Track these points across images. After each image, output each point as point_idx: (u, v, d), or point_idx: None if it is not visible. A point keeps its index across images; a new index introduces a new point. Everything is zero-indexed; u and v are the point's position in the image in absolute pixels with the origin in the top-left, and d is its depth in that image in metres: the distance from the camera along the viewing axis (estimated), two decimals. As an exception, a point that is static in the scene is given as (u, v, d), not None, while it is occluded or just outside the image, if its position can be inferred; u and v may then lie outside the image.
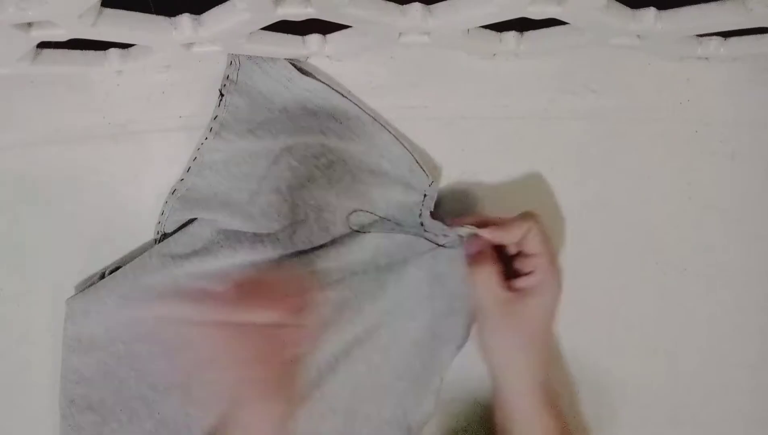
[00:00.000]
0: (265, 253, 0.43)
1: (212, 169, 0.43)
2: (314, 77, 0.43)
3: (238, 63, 0.43)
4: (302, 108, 0.44)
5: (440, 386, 0.45)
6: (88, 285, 0.44)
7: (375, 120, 0.43)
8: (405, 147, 0.42)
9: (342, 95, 0.43)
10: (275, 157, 0.43)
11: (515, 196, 0.46)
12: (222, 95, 0.43)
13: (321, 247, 0.44)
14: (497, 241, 0.41)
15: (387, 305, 0.44)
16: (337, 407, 0.44)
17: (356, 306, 0.44)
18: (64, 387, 0.44)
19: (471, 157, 0.46)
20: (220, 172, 0.43)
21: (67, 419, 0.44)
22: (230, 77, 0.43)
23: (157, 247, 0.44)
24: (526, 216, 0.41)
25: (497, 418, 0.42)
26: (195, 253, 0.43)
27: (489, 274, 0.40)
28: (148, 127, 0.45)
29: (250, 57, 0.43)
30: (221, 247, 0.43)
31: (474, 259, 0.41)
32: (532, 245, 0.40)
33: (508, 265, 0.42)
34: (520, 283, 0.40)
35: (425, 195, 0.43)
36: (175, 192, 0.44)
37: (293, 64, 0.43)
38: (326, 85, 0.43)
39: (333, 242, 0.44)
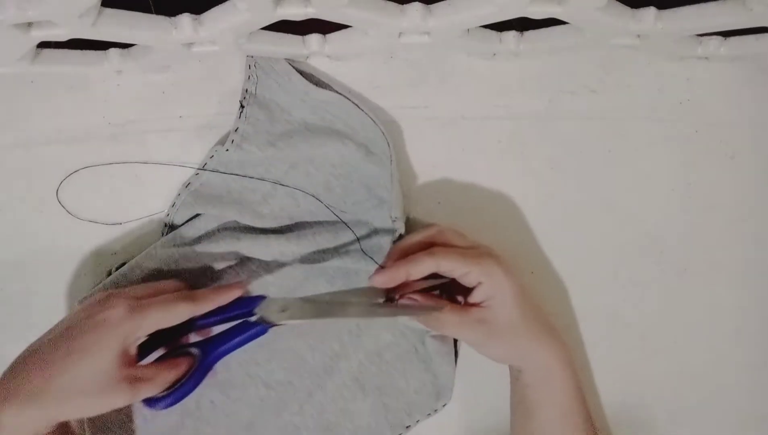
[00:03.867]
0: (268, 244, 0.43)
1: (228, 167, 0.44)
2: (331, 89, 0.43)
3: (255, 77, 0.43)
4: (321, 119, 0.44)
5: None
6: (96, 284, 0.44)
7: (384, 135, 0.43)
8: (391, 174, 0.42)
9: (358, 106, 0.43)
10: (294, 162, 0.44)
11: (515, 196, 0.46)
12: (242, 107, 0.43)
13: (324, 250, 0.44)
14: (409, 280, 0.38)
15: None
16: (366, 384, 0.45)
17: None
18: None
19: (471, 157, 0.46)
20: (235, 170, 0.44)
21: (93, 421, 0.44)
22: (249, 90, 0.43)
23: (162, 239, 0.44)
24: (432, 249, 0.38)
25: (515, 397, 0.42)
26: (198, 242, 0.44)
27: (442, 320, 0.38)
28: (148, 127, 0.45)
29: (267, 72, 0.43)
30: (224, 236, 0.43)
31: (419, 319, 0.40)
32: (455, 272, 0.38)
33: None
34: (474, 298, 0.38)
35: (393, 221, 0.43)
36: (189, 185, 0.44)
37: (301, 72, 0.43)
38: (343, 96, 0.43)
39: (336, 249, 0.44)
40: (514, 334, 0.39)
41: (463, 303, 0.40)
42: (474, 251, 0.39)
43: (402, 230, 0.42)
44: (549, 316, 0.41)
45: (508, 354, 0.40)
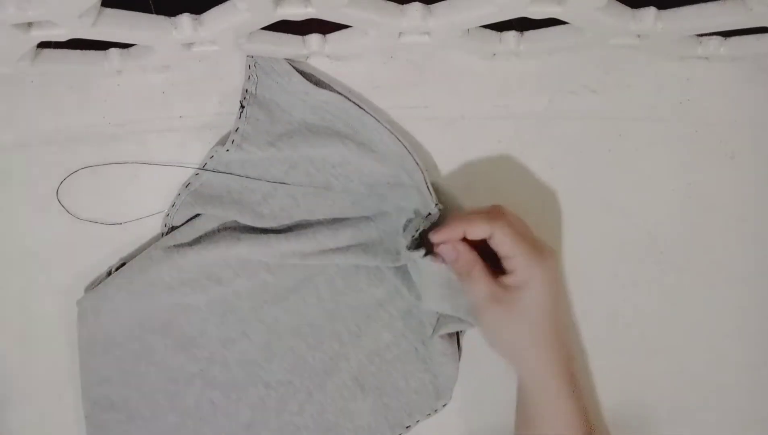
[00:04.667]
0: (268, 244, 0.43)
1: (228, 167, 0.44)
2: (331, 89, 0.43)
3: (255, 78, 0.43)
4: (321, 119, 0.44)
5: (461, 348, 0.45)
6: (95, 284, 0.44)
7: (391, 132, 0.43)
8: (417, 163, 0.43)
9: (359, 106, 0.43)
10: (294, 162, 0.44)
11: (515, 196, 0.46)
12: (242, 107, 0.43)
13: (324, 249, 0.44)
14: (462, 237, 0.40)
15: (390, 288, 0.45)
16: (366, 384, 0.45)
17: (370, 277, 0.45)
18: (86, 389, 0.44)
19: (471, 157, 0.46)
20: (235, 170, 0.44)
21: (92, 420, 0.44)
22: (249, 90, 0.43)
23: (162, 239, 0.44)
24: (492, 215, 0.39)
25: (518, 404, 0.42)
26: (198, 242, 0.44)
27: (472, 276, 0.40)
28: (148, 127, 0.45)
29: (267, 72, 0.43)
30: (224, 236, 0.43)
31: (455, 263, 0.41)
32: (502, 248, 0.39)
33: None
34: (506, 280, 0.40)
35: (429, 214, 0.43)
36: (189, 185, 0.44)
37: (301, 72, 0.43)
38: (343, 96, 0.43)
39: (336, 248, 0.44)
40: (521, 334, 0.39)
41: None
42: (530, 242, 0.39)
43: (435, 219, 0.43)
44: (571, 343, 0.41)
45: (509, 349, 0.41)
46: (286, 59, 0.43)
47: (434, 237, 0.41)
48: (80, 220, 0.46)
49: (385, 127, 0.43)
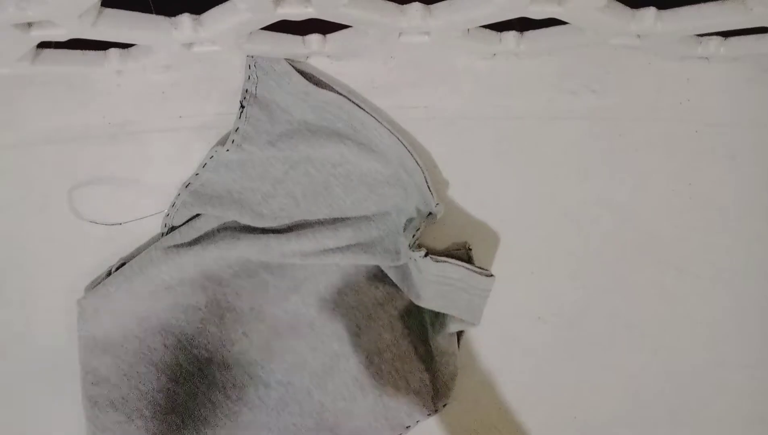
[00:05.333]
0: (268, 244, 0.43)
1: (228, 167, 0.44)
2: (331, 89, 0.43)
3: (255, 78, 0.43)
4: (321, 118, 0.44)
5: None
6: (95, 284, 0.44)
7: (392, 132, 0.43)
8: (418, 163, 0.43)
9: (359, 106, 0.43)
10: (293, 162, 0.44)
11: (515, 196, 0.46)
12: (242, 107, 0.43)
13: (324, 249, 0.44)
14: None
15: (390, 288, 0.45)
16: (366, 384, 0.45)
17: (370, 277, 0.45)
18: (85, 388, 0.44)
19: (471, 157, 0.46)
20: (235, 171, 0.44)
21: (92, 421, 0.44)
22: (249, 90, 0.43)
23: (162, 239, 0.44)
24: None
25: None
26: (197, 242, 0.44)
27: None
28: (148, 127, 0.45)
29: (267, 72, 0.43)
30: (224, 236, 0.43)
31: None
32: None
33: None
34: None
35: (430, 213, 0.43)
36: (189, 185, 0.44)
37: (301, 72, 0.43)
38: (343, 96, 0.43)
39: (336, 248, 0.44)
40: None
41: None
42: None
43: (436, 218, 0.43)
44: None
45: None
46: (286, 59, 0.44)
47: None
48: (80, 220, 0.46)
49: (385, 127, 0.43)
